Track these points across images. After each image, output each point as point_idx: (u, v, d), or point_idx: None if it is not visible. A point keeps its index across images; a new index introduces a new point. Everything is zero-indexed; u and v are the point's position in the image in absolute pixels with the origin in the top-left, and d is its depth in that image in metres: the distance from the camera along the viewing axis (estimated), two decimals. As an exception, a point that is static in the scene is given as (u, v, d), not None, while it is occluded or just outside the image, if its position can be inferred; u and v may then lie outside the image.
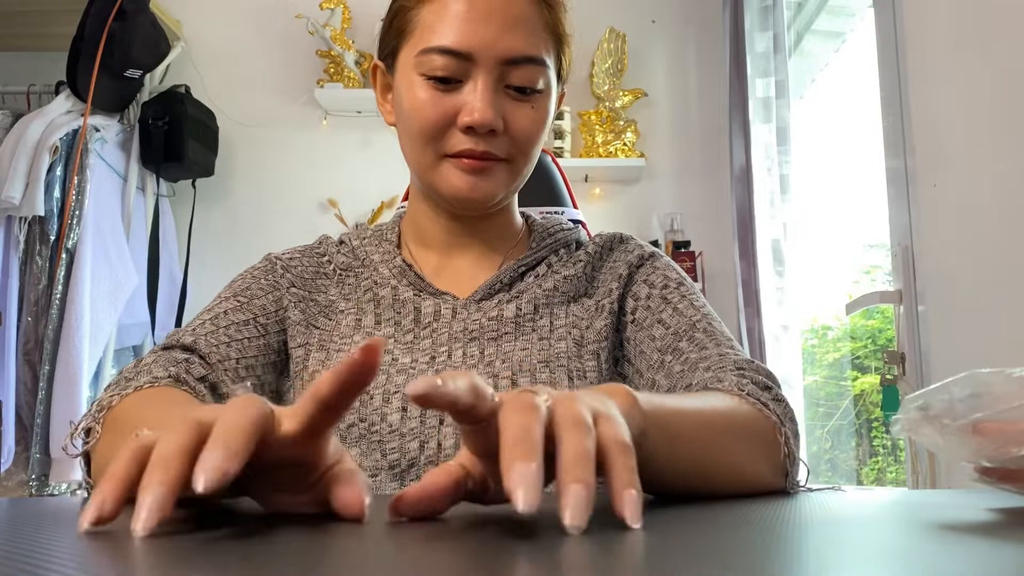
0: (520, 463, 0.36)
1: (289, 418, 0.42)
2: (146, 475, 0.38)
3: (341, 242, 0.94)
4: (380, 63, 0.88)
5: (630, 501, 0.38)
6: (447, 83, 0.78)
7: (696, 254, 2.86)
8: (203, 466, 0.36)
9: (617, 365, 0.85)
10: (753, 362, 0.75)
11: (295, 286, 0.88)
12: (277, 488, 0.44)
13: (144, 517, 0.36)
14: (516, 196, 0.92)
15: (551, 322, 0.84)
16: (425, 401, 0.38)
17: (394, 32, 0.84)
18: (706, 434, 0.59)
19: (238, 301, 0.84)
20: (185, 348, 0.78)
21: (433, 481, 0.43)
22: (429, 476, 0.43)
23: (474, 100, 0.77)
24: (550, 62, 0.81)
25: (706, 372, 0.74)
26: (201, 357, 0.78)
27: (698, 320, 0.81)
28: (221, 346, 0.79)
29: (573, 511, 0.35)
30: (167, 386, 0.72)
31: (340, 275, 0.90)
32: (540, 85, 0.80)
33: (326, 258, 0.92)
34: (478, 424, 0.41)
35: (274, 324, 0.85)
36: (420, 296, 0.85)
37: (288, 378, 0.85)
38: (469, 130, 0.78)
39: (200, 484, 0.36)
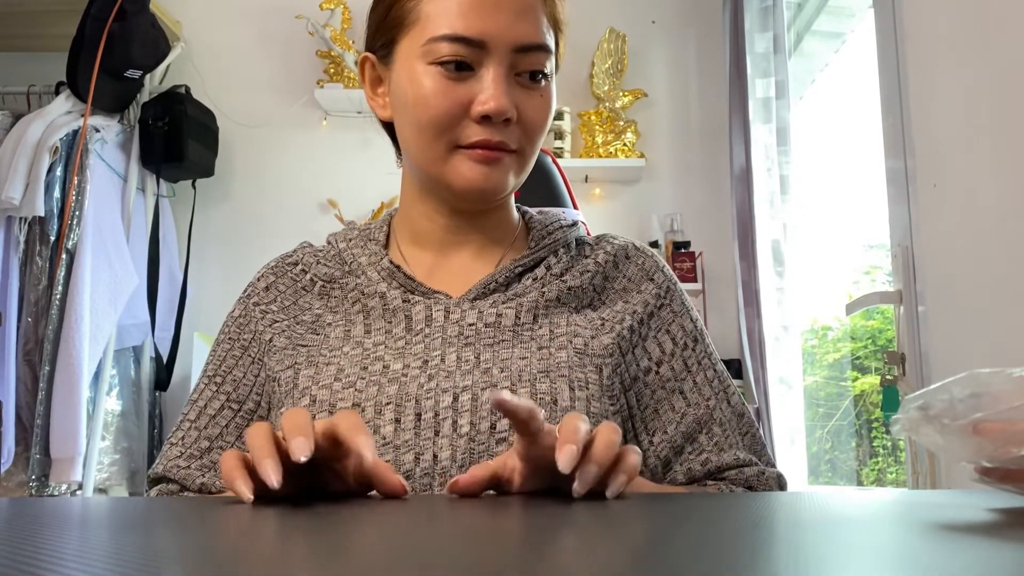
0: (568, 444, 0.54)
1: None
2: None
3: (328, 243, 0.92)
4: (371, 56, 0.85)
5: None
6: (460, 71, 0.77)
7: (696, 254, 2.86)
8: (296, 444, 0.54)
9: (619, 394, 0.83)
10: (764, 473, 0.82)
11: (277, 320, 0.86)
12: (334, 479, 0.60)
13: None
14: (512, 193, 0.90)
15: (551, 331, 0.81)
16: (501, 407, 0.56)
17: (391, 23, 0.81)
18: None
19: (215, 384, 0.86)
20: (170, 480, 0.84)
21: (477, 473, 0.61)
22: (474, 469, 0.61)
23: (489, 88, 0.76)
24: (553, 51, 0.81)
25: (721, 478, 0.82)
26: (182, 485, 0.83)
27: (714, 406, 0.85)
28: (205, 455, 0.83)
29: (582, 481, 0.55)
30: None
31: (323, 286, 0.87)
32: (547, 70, 0.80)
33: (300, 268, 0.89)
34: (531, 436, 0.58)
35: (244, 389, 0.86)
36: (410, 301, 0.82)
37: (279, 396, 0.84)
38: (484, 120, 0.76)
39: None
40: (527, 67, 0.78)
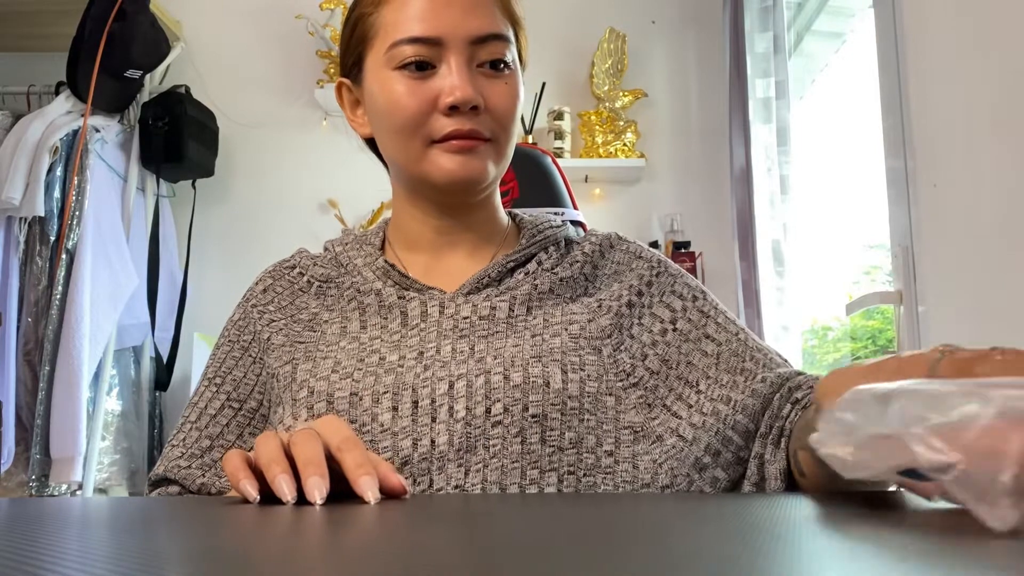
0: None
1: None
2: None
3: (325, 249, 0.95)
4: (345, 80, 0.90)
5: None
6: (422, 69, 0.81)
7: (696, 254, 2.86)
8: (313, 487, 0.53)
9: (631, 367, 0.83)
10: (815, 376, 0.80)
11: (275, 320, 0.89)
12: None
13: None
14: (497, 190, 0.92)
15: (545, 319, 0.83)
16: None
17: (356, 41, 0.86)
18: None
19: (215, 385, 0.87)
20: (170, 482, 0.84)
21: None
22: None
23: (452, 80, 0.80)
24: (512, 40, 0.85)
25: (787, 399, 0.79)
26: (183, 486, 0.83)
27: (744, 338, 0.85)
28: (206, 454, 0.84)
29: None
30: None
31: (319, 286, 0.90)
32: (508, 59, 0.83)
33: (297, 271, 0.92)
34: None
35: (245, 389, 0.87)
36: (405, 297, 0.85)
37: (277, 392, 0.85)
38: (452, 110, 0.80)
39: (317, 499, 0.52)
40: (487, 57, 0.82)
